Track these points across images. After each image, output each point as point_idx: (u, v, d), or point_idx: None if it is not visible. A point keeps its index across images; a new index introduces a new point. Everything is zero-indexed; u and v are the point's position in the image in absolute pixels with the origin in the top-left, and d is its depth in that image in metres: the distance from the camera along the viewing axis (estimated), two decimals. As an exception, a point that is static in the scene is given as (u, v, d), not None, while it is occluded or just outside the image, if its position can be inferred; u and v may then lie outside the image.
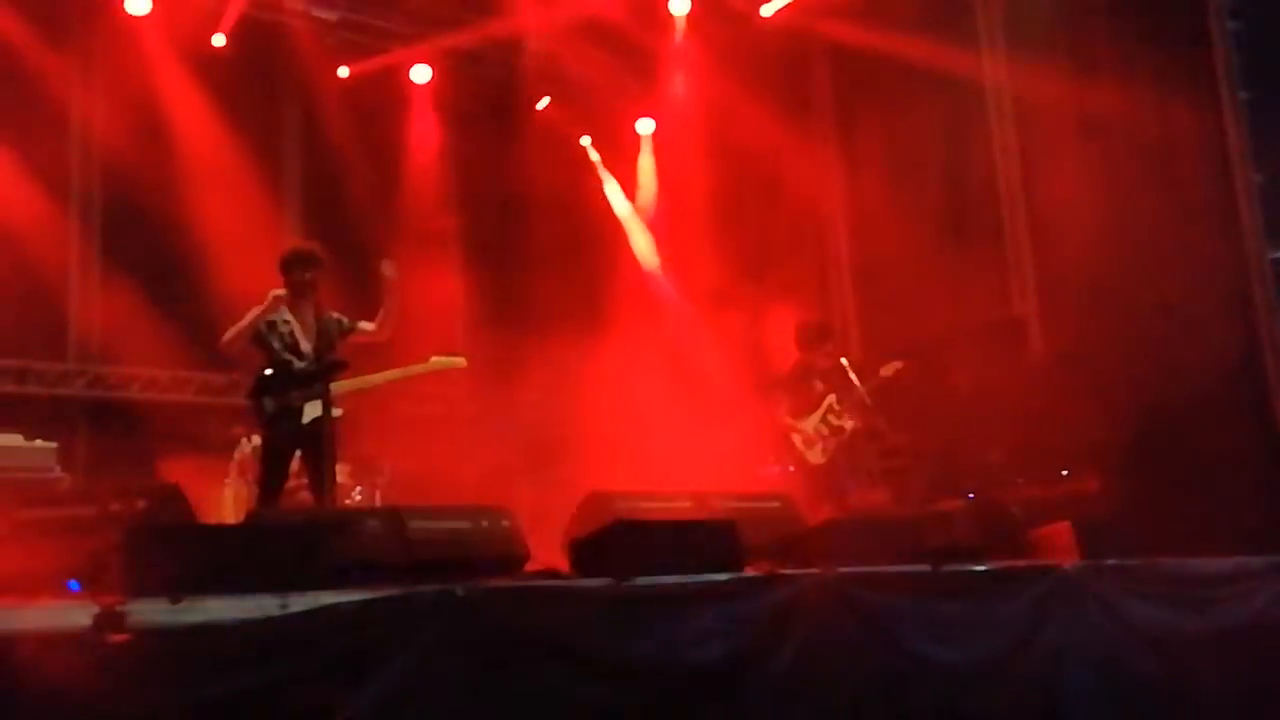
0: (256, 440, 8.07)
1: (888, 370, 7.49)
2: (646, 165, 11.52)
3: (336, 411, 6.23)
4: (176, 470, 8.12)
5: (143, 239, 9.19)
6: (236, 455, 8.25)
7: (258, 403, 6.26)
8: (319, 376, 6.17)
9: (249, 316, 6.19)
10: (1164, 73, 8.20)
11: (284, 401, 6.18)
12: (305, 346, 6.25)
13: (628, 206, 11.54)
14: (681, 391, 10.41)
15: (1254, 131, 7.69)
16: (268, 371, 6.24)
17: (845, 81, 10.58)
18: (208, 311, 8.96)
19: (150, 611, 3.44)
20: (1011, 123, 9.27)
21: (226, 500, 7.98)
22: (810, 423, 7.52)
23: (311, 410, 6.17)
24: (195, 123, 9.66)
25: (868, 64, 10.10)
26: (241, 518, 7.80)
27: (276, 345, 6.20)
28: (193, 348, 9.32)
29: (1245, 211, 7.66)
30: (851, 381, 7.39)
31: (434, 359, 6.76)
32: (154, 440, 8.50)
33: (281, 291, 6.20)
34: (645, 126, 11.51)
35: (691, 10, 10.63)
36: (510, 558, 4.90)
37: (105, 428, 8.78)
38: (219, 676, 3.37)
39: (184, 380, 9.51)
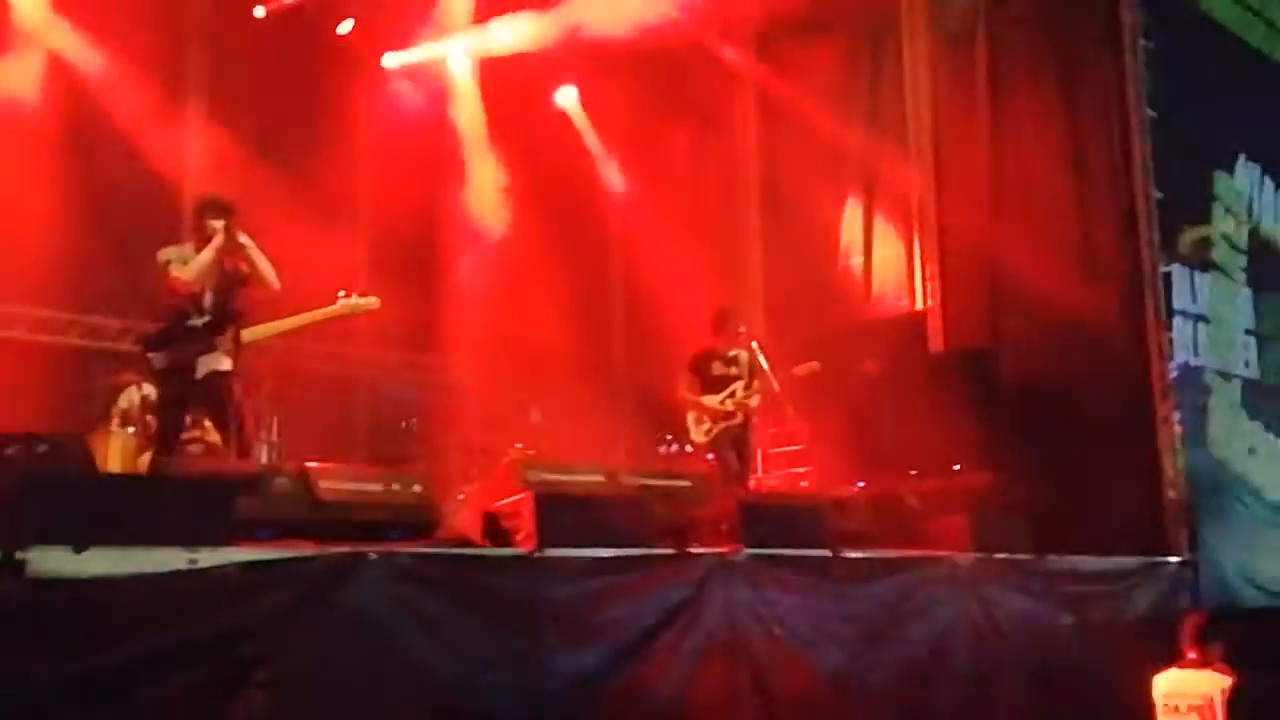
0: (146, 389, 7.78)
1: (802, 370, 7.54)
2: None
3: (240, 363, 6.03)
4: (59, 416, 7.79)
5: (36, 172, 8.72)
6: (123, 403, 7.91)
7: (150, 357, 6.03)
8: (216, 330, 5.95)
9: (207, 251, 5.86)
10: (1076, 87, 8.44)
11: (177, 356, 5.95)
12: (206, 301, 6.01)
13: None
14: (592, 361, 10.44)
15: (1157, 149, 7.97)
16: (162, 326, 6.00)
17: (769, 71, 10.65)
18: (100, 253, 8.61)
19: (51, 560, 3.31)
20: (927, 129, 9.43)
21: (113, 449, 7.65)
22: (709, 402, 7.55)
23: (206, 364, 5.96)
24: (96, 55, 9.21)
25: (792, 58, 10.21)
26: (125, 469, 7.51)
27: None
28: (81, 290, 8.92)
29: (1143, 225, 7.95)
30: (760, 366, 7.44)
31: (342, 301, 6.57)
32: (38, 384, 8.11)
33: (222, 223, 5.88)
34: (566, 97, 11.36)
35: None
36: (421, 522, 4.83)
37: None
38: (126, 631, 3.25)
39: (69, 323, 9.09)
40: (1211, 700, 5.42)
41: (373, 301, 6.73)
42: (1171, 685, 5.64)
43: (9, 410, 7.32)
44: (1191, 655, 5.63)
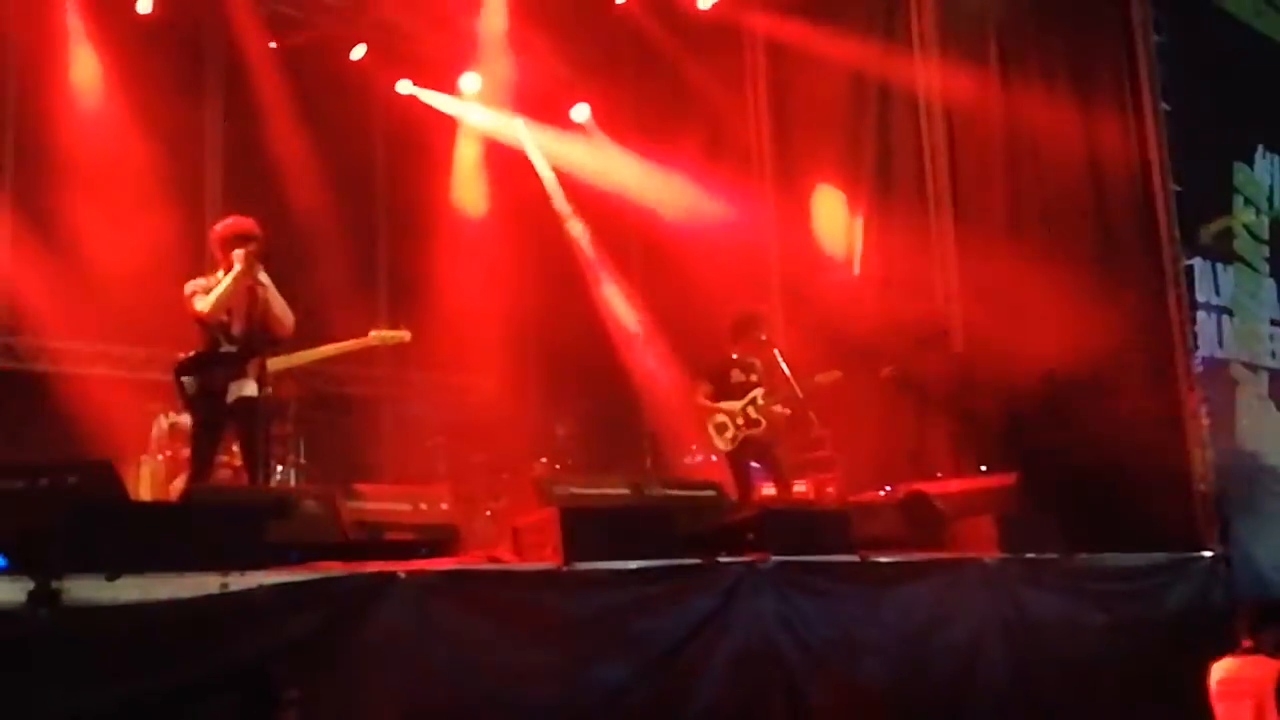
0: (174, 417, 7.87)
1: (825, 379, 7.52)
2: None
3: (266, 390, 6.07)
4: (89, 446, 7.88)
5: (57, 207, 8.86)
6: (153, 432, 8.01)
7: (183, 381, 6.08)
8: (247, 357, 5.99)
9: (227, 280, 5.90)
10: (1090, 83, 8.40)
11: (209, 381, 5.99)
12: (236, 329, 6.04)
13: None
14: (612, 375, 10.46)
15: (1174, 143, 7.93)
16: (192, 354, 6.05)
17: (779, 80, 10.66)
18: (125, 284, 8.71)
19: (86, 588, 3.34)
20: (941, 126, 9.41)
21: (143, 477, 7.75)
22: (729, 409, 7.52)
23: (237, 389, 6.00)
24: (115, 87, 9.35)
25: (802, 62, 10.21)
26: (156, 496, 7.60)
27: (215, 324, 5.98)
28: (107, 320, 9.03)
29: (1163, 220, 7.90)
30: (783, 372, 7.43)
31: (374, 333, 6.58)
32: (66, 414, 8.20)
33: (242, 252, 5.92)
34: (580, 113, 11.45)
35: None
36: (449, 540, 4.87)
37: (14, 400, 8.45)
38: (160, 656, 3.29)
39: (98, 354, 9.20)
40: (1261, 686, 5.49)
41: (404, 335, 6.73)
42: (1225, 673, 5.72)
43: (38, 440, 7.43)
44: (1246, 644, 5.70)
